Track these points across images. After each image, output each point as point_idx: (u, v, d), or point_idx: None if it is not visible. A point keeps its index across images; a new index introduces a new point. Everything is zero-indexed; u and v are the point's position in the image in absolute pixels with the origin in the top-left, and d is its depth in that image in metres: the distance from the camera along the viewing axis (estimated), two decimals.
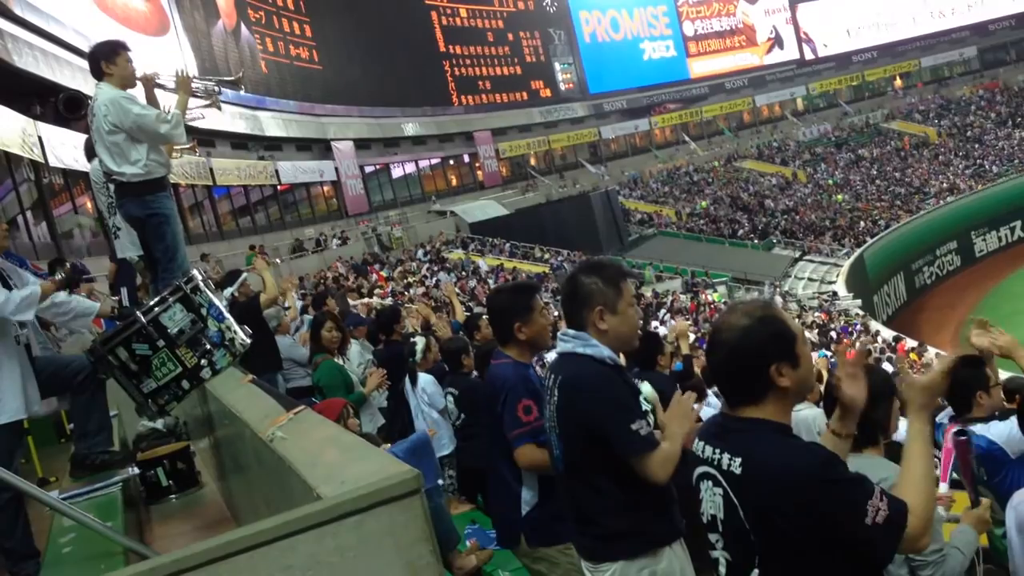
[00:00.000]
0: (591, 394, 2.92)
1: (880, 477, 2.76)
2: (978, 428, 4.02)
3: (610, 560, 2.93)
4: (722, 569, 2.27)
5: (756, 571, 2.17)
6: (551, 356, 4.10)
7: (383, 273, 28.18)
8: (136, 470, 4.65)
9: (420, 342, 6.65)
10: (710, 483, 2.26)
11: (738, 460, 2.17)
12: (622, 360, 3.25)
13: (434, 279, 28.08)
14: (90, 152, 6.18)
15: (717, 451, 2.23)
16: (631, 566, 2.90)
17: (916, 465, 2.26)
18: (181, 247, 5.61)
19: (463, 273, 29.71)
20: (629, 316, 3.07)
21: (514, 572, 5.03)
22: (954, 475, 3.65)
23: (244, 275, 7.40)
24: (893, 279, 38.70)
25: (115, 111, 5.19)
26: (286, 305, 8.68)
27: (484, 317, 6.95)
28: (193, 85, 5.62)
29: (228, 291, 7.15)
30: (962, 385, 4.12)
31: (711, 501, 2.26)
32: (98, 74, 5.33)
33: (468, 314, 9.78)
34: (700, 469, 2.30)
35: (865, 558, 2.10)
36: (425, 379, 6.39)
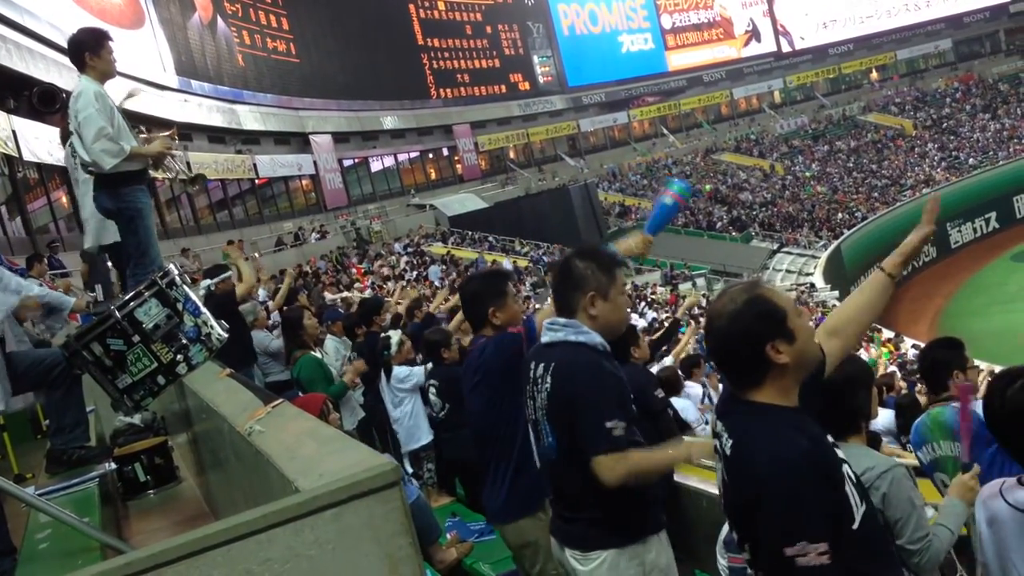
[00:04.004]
0: (582, 380, 2.87)
1: (865, 467, 2.75)
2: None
3: (601, 548, 2.88)
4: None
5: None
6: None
7: (361, 267, 28.08)
8: (113, 465, 4.61)
9: (395, 336, 6.65)
10: (720, 458, 2.28)
11: (731, 442, 2.18)
12: None
13: (415, 273, 28.00)
14: (65, 139, 6.11)
15: (723, 429, 2.24)
16: (622, 555, 2.86)
17: None
18: (154, 243, 5.54)
19: (444, 267, 29.61)
20: (619, 304, 3.03)
21: (494, 565, 5.03)
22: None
23: (229, 272, 7.35)
24: (870, 270, 38.79)
25: (81, 102, 5.11)
26: (261, 299, 8.62)
27: None
28: (166, 160, 5.51)
29: (205, 283, 7.10)
30: (939, 364, 4.13)
31: (720, 477, 2.27)
32: (80, 65, 5.24)
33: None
34: (716, 443, 2.32)
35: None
36: (398, 370, 6.42)
